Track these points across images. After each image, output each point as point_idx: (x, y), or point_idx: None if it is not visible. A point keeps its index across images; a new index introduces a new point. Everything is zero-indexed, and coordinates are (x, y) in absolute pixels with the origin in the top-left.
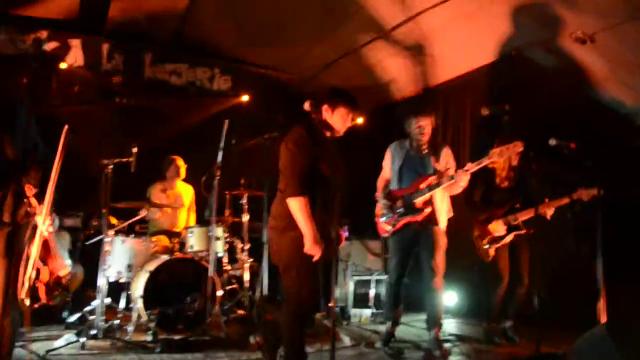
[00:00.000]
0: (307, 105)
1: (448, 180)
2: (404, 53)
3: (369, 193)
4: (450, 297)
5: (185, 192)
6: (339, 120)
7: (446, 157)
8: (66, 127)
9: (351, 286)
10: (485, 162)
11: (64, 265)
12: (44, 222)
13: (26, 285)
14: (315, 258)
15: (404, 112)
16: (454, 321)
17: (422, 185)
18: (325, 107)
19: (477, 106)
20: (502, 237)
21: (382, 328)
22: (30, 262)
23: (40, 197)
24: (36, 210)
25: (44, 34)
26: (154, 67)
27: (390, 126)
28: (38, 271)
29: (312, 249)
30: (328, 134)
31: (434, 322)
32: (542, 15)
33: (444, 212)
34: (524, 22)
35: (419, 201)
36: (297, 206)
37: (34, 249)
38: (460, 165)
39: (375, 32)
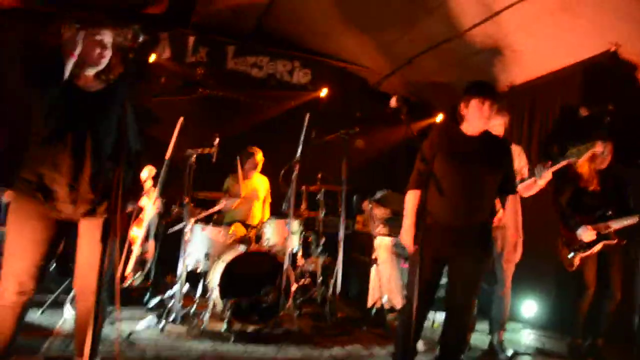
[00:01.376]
0: (393, 102)
1: (528, 179)
2: (487, 50)
3: None
4: (529, 307)
5: (261, 184)
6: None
7: (517, 157)
8: (181, 118)
9: None
10: (563, 163)
11: (152, 249)
12: (153, 205)
13: (130, 265)
14: None
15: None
16: (534, 332)
17: None
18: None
19: (567, 106)
20: (590, 246)
21: None
22: (137, 244)
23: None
24: (147, 194)
25: (137, 28)
26: (236, 59)
27: None
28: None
29: None
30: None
31: (498, 326)
32: None
33: (513, 217)
34: (627, 11)
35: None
36: None
37: (141, 231)
38: None
39: (457, 28)
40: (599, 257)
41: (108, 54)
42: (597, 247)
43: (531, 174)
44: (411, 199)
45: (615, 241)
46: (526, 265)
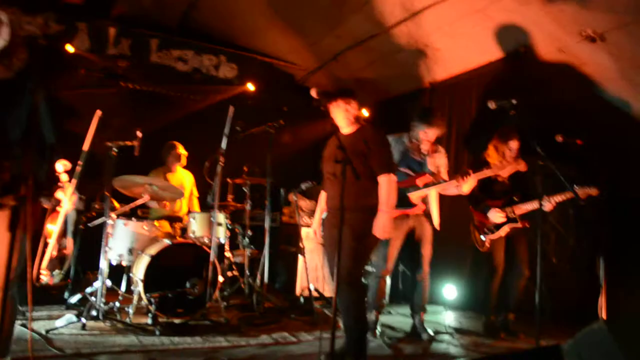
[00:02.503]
0: (313, 93)
1: (449, 181)
2: (410, 48)
3: None
4: (449, 291)
5: (185, 178)
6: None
7: (440, 159)
8: (98, 111)
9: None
10: (487, 173)
11: (71, 245)
12: (69, 200)
13: (45, 260)
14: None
15: (411, 108)
16: (454, 314)
17: (419, 182)
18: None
19: (482, 102)
20: (498, 227)
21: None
22: (52, 239)
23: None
24: (62, 188)
25: (51, 16)
26: (160, 52)
27: (393, 120)
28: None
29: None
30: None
31: (419, 308)
32: (553, 12)
33: (437, 212)
34: (533, 18)
35: (414, 195)
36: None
37: (57, 226)
38: (461, 164)
39: (381, 25)
40: (507, 240)
41: (4, 31)
42: (505, 230)
43: (451, 178)
44: None
45: (521, 224)
46: (446, 252)
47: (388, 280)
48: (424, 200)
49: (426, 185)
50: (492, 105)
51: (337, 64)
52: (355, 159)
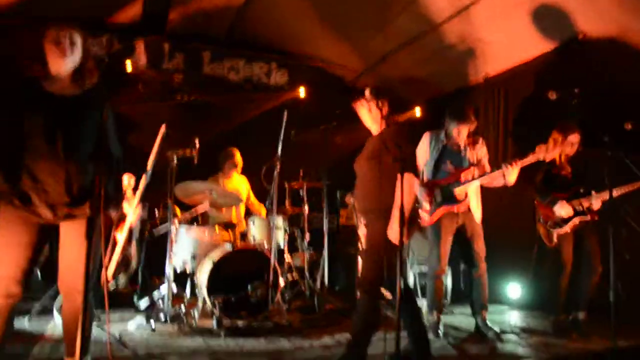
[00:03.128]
0: (367, 94)
1: (496, 172)
2: (460, 44)
3: None
4: (513, 289)
5: (242, 184)
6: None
7: (480, 150)
8: (163, 126)
9: (412, 277)
10: (531, 158)
11: (135, 252)
12: (134, 211)
13: (112, 268)
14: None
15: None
16: (519, 313)
17: (463, 177)
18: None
19: (540, 94)
20: (566, 221)
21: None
22: (118, 247)
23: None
24: (128, 200)
25: (112, 37)
26: (212, 64)
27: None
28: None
29: None
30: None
31: (480, 306)
32: None
33: (478, 205)
34: (590, 1)
35: (459, 191)
36: None
37: (123, 235)
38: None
39: (429, 23)
40: (575, 235)
41: (77, 51)
42: (573, 223)
43: (495, 167)
44: None
45: (589, 217)
46: (507, 248)
47: (448, 280)
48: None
49: (471, 179)
50: (552, 95)
51: (386, 64)
52: (370, 161)
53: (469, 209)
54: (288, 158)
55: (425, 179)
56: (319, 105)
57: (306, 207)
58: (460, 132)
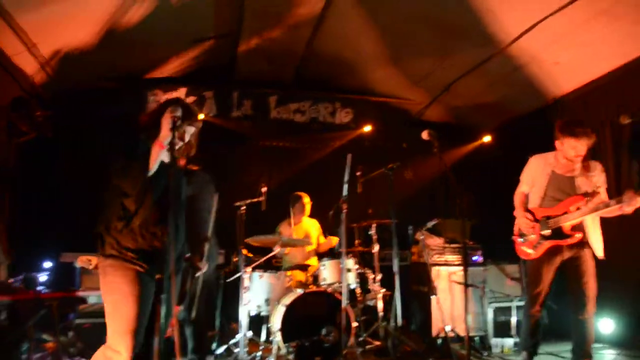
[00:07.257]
0: (425, 135)
1: (613, 205)
2: (527, 64)
3: (503, 213)
4: (606, 325)
5: (312, 227)
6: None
7: (599, 177)
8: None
9: (490, 314)
10: None
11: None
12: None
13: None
14: None
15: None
16: (613, 352)
17: (572, 208)
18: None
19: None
20: None
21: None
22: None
23: None
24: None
25: (182, 91)
26: (279, 107)
27: (521, 140)
28: None
29: None
30: None
31: (582, 353)
32: None
33: (599, 238)
34: None
35: (567, 225)
36: None
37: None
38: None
39: (493, 47)
40: None
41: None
42: None
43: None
44: None
45: None
46: (605, 284)
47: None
48: (580, 227)
49: (582, 211)
50: (625, 120)
51: (451, 92)
52: None
53: (582, 243)
54: (355, 197)
55: (530, 207)
56: (385, 139)
57: (376, 246)
58: (577, 149)
